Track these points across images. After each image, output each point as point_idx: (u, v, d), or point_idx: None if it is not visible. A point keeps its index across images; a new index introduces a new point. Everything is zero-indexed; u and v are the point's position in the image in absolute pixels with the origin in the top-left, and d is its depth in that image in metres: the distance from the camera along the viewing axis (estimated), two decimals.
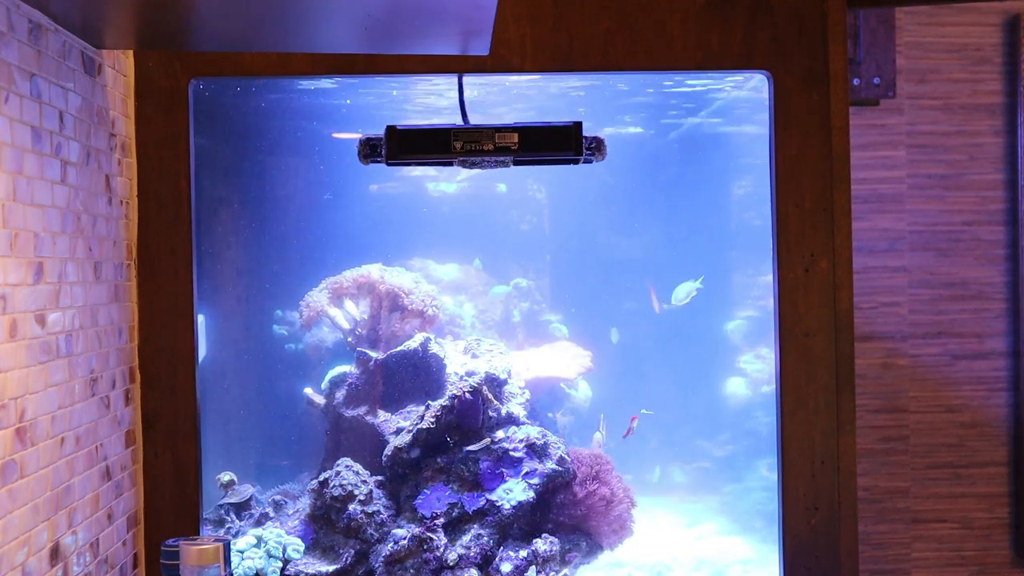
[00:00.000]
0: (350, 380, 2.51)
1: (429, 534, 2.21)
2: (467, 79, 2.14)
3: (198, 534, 2.10)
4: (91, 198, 1.83)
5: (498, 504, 2.28)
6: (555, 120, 2.02)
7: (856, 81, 3.19)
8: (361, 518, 2.25)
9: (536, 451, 2.35)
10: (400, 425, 2.41)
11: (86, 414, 1.80)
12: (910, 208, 3.39)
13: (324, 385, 2.57)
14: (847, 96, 2.13)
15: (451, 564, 2.20)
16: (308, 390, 2.60)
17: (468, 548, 2.22)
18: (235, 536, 2.27)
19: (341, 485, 2.27)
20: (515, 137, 1.98)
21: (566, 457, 2.36)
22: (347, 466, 2.31)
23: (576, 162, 2.04)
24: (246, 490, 2.38)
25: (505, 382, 2.49)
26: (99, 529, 1.85)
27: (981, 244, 3.41)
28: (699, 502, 2.88)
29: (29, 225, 1.57)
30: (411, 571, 2.19)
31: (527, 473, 2.32)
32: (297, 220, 2.76)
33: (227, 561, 1.72)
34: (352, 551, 2.24)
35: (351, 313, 2.59)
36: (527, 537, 2.27)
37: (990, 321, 3.41)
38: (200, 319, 2.16)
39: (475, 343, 2.61)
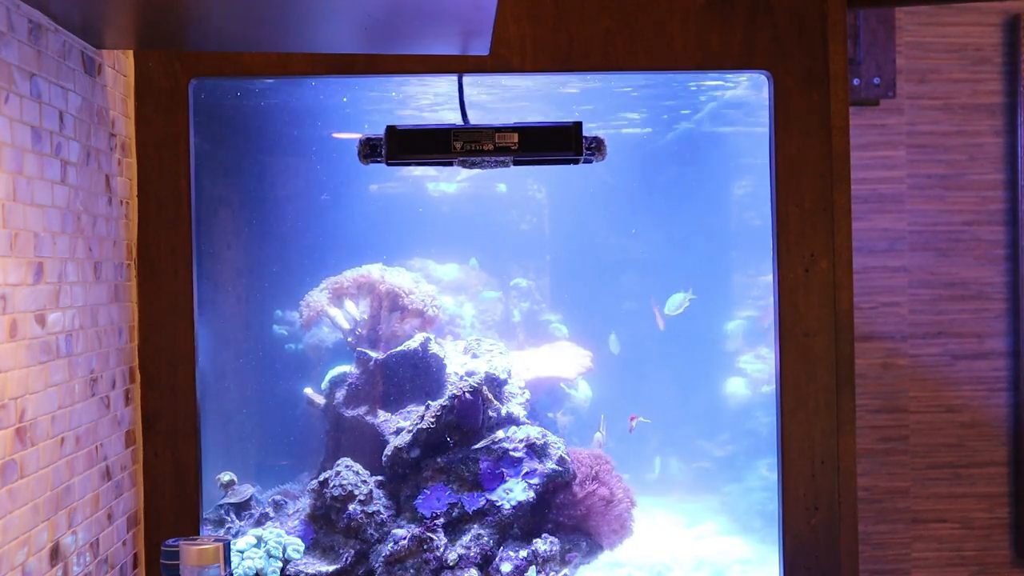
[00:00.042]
0: (350, 380, 2.51)
1: (429, 534, 2.21)
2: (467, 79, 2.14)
3: (198, 534, 2.10)
4: (91, 198, 1.83)
5: (498, 504, 2.28)
6: (555, 120, 2.02)
7: (856, 81, 3.19)
8: (361, 518, 2.25)
9: (536, 451, 2.35)
10: (400, 425, 2.41)
11: (86, 414, 1.80)
12: (910, 208, 3.40)
13: (324, 385, 2.58)
14: (847, 96, 2.13)
15: (451, 564, 2.20)
16: (308, 390, 2.60)
17: (468, 548, 2.22)
18: (235, 536, 2.27)
19: (341, 485, 2.27)
20: (515, 137, 1.98)
21: (566, 457, 2.36)
22: (347, 466, 2.31)
23: (576, 162, 2.04)
24: (246, 490, 2.38)
25: (505, 382, 2.49)
26: (99, 529, 1.85)
27: (981, 244, 3.41)
28: (699, 502, 2.88)
29: (29, 225, 1.57)
30: (411, 571, 2.19)
31: (527, 473, 2.32)
32: (297, 220, 2.76)
33: (227, 561, 1.72)
34: (352, 551, 2.24)
35: (351, 313, 2.59)
36: (527, 537, 2.27)
37: (990, 321, 3.41)
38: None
39: (475, 343, 2.61)
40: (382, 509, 2.29)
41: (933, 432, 3.41)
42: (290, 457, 2.65)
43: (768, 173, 2.15)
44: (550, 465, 2.34)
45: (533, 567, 2.20)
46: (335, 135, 2.76)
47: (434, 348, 2.50)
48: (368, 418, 2.47)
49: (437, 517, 2.25)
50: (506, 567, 2.20)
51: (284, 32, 1.76)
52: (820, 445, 2.14)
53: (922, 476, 3.41)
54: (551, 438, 2.38)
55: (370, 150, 2.02)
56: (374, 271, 2.61)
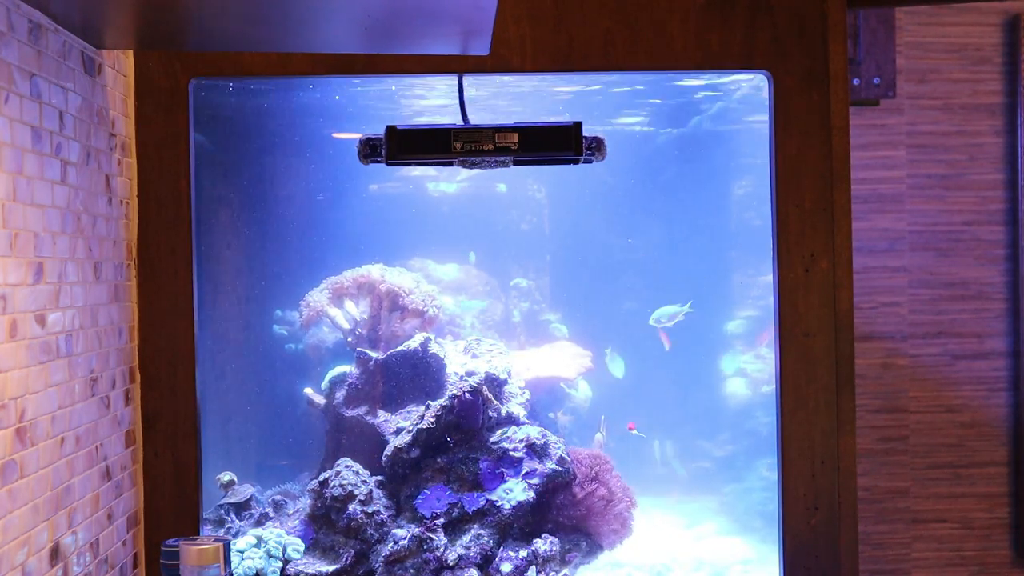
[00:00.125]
0: (350, 380, 2.51)
1: (429, 534, 2.21)
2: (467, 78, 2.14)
3: (198, 534, 2.10)
4: (91, 198, 1.83)
5: (498, 504, 2.28)
6: (555, 120, 2.02)
7: (856, 81, 3.19)
8: (361, 518, 2.25)
9: (536, 451, 2.35)
10: (400, 425, 2.41)
11: (86, 414, 1.80)
12: (910, 208, 3.39)
13: (324, 385, 2.57)
14: (847, 96, 2.13)
15: (451, 564, 2.20)
16: (308, 390, 2.60)
17: (468, 548, 2.22)
18: (235, 536, 2.27)
19: (341, 485, 2.27)
20: (515, 137, 1.98)
21: (566, 457, 2.36)
22: (347, 466, 2.31)
23: (576, 162, 2.04)
24: (246, 490, 2.38)
25: (505, 382, 2.49)
26: (99, 529, 1.85)
27: (981, 244, 3.41)
28: (699, 502, 2.88)
29: (29, 225, 1.57)
30: (411, 571, 2.19)
31: (527, 473, 2.32)
32: (297, 220, 2.76)
33: (227, 561, 1.72)
34: (352, 551, 2.24)
35: (351, 313, 2.59)
36: (527, 537, 2.27)
37: (990, 321, 3.41)
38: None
39: (475, 343, 2.61)
40: (382, 509, 2.29)
41: (933, 432, 3.41)
42: (290, 457, 2.65)
43: (768, 173, 2.15)
44: (550, 465, 2.34)
45: (533, 567, 2.20)
46: (335, 135, 2.76)
47: (434, 348, 2.50)
48: (368, 418, 2.47)
49: (437, 517, 2.25)
50: (506, 567, 2.20)
51: (284, 32, 1.76)
52: (820, 445, 2.14)
53: (922, 476, 3.41)
54: (551, 438, 2.38)
55: (370, 150, 2.02)
56: (374, 271, 2.61)
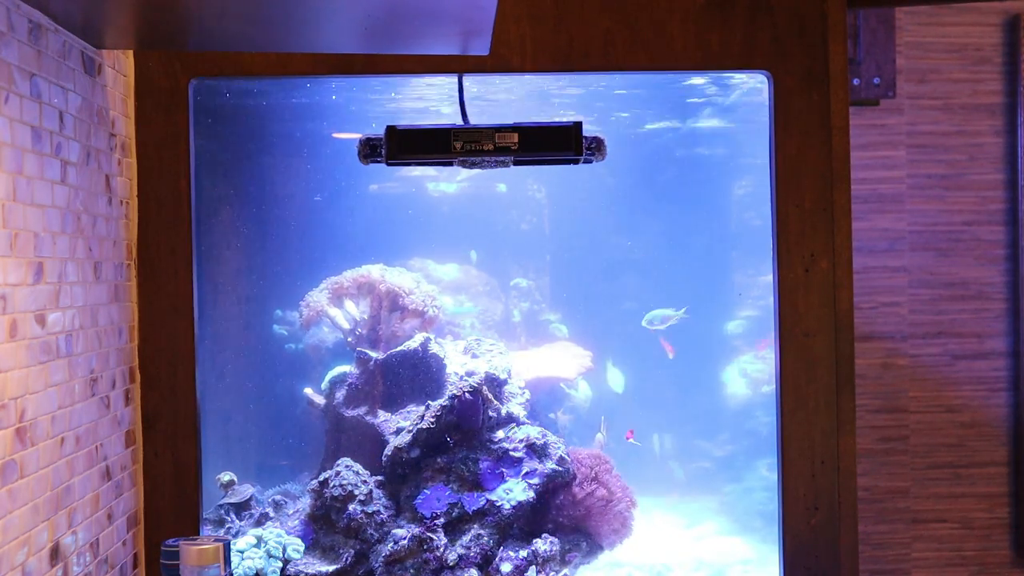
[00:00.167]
0: (350, 380, 2.51)
1: (429, 534, 2.21)
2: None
3: (198, 534, 2.10)
4: (91, 198, 1.83)
5: (498, 504, 2.28)
6: (555, 120, 2.02)
7: (856, 81, 3.19)
8: (361, 518, 2.25)
9: (536, 451, 2.35)
10: (400, 425, 2.41)
11: (86, 414, 1.80)
12: (910, 208, 3.39)
13: (324, 385, 2.57)
14: (847, 96, 2.13)
15: (451, 564, 2.20)
16: (308, 390, 2.60)
17: (468, 548, 2.22)
18: (235, 536, 2.27)
19: (341, 485, 2.27)
20: (515, 137, 1.98)
21: (566, 457, 2.36)
22: (347, 466, 2.31)
23: (576, 162, 2.04)
24: (246, 490, 2.38)
25: (505, 382, 2.49)
26: (99, 529, 1.85)
27: (981, 244, 3.41)
28: (699, 502, 2.88)
29: (29, 225, 1.57)
30: (411, 571, 2.19)
31: (527, 473, 2.32)
32: (297, 220, 2.76)
33: (227, 561, 1.72)
34: (352, 551, 2.24)
35: (351, 313, 2.59)
36: (527, 537, 2.27)
37: (990, 321, 3.41)
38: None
39: (475, 343, 2.61)
40: (382, 509, 2.29)
41: (933, 432, 3.41)
42: (290, 457, 2.65)
43: (768, 173, 2.15)
44: (550, 465, 2.34)
45: (533, 567, 2.20)
46: (335, 135, 2.76)
47: (434, 348, 2.50)
48: (368, 418, 2.47)
49: (437, 517, 2.25)
50: (506, 567, 2.21)
51: (284, 32, 1.76)
52: (820, 445, 2.14)
53: (922, 476, 3.41)
54: (551, 438, 2.39)
55: (370, 150, 2.02)
56: (374, 271, 2.61)
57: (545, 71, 2.13)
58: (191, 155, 2.10)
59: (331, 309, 2.59)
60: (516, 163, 2.02)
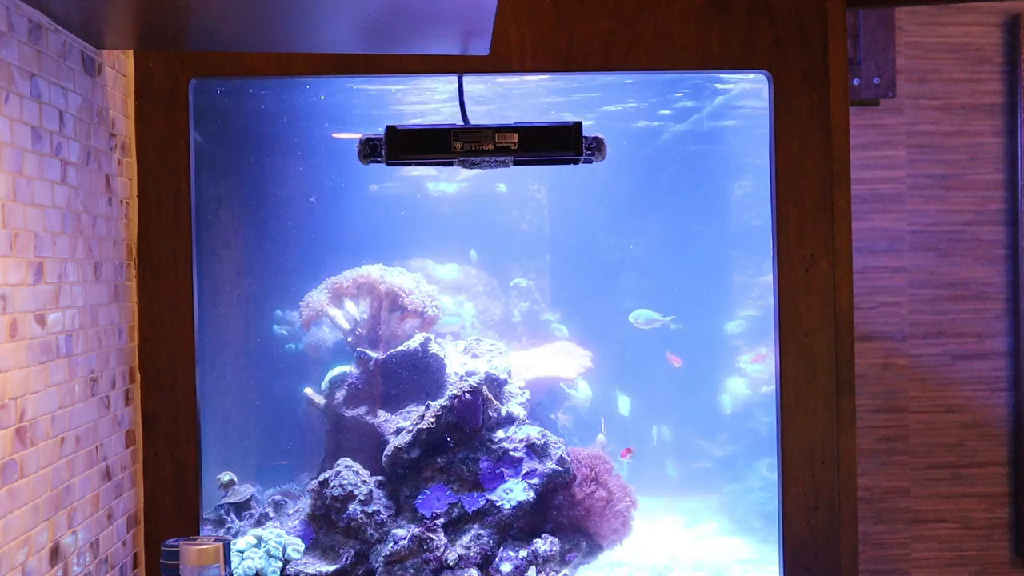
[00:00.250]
0: (350, 380, 2.51)
1: (429, 534, 2.21)
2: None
3: (198, 534, 2.10)
4: (91, 198, 1.83)
5: (498, 504, 2.28)
6: (555, 120, 2.02)
7: (856, 81, 3.19)
8: (361, 518, 2.25)
9: (536, 451, 2.35)
10: (400, 425, 2.41)
11: (86, 414, 1.80)
12: (910, 208, 3.39)
13: (324, 385, 2.58)
14: (847, 96, 2.13)
15: (451, 564, 2.20)
16: (308, 390, 2.60)
17: (468, 548, 2.22)
18: (235, 536, 2.27)
19: (341, 485, 2.27)
20: (515, 137, 1.98)
21: (566, 457, 2.36)
22: (347, 466, 2.31)
23: (576, 162, 2.04)
24: (246, 490, 2.38)
25: (505, 382, 2.49)
26: (99, 529, 1.85)
27: (981, 244, 3.41)
28: (699, 502, 2.88)
29: (29, 225, 1.57)
30: (411, 571, 2.19)
31: (527, 473, 2.32)
32: (297, 220, 2.76)
33: (227, 561, 1.72)
34: (352, 551, 2.24)
35: (351, 313, 2.59)
36: (527, 537, 2.27)
37: (990, 321, 3.41)
38: None
39: (475, 343, 2.61)
40: (382, 509, 2.29)
41: (933, 432, 3.41)
42: (290, 457, 2.65)
43: (768, 173, 2.15)
44: (550, 465, 2.34)
45: (533, 567, 2.20)
46: (335, 135, 2.76)
47: (434, 348, 2.50)
48: (368, 418, 2.47)
49: (437, 517, 2.25)
50: (506, 567, 2.21)
51: (284, 32, 1.76)
52: (820, 445, 2.14)
53: (922, 476, 3.41)
54: (551, 438, 2.38)
55: (370, 150, 2.02)
56: (374, 271, 2.61)
57: (545, 71, 2.13)
58: (191, 155, 2.10)
59: (331, 309, 2.59)
60: (516, 163, 2.02)
